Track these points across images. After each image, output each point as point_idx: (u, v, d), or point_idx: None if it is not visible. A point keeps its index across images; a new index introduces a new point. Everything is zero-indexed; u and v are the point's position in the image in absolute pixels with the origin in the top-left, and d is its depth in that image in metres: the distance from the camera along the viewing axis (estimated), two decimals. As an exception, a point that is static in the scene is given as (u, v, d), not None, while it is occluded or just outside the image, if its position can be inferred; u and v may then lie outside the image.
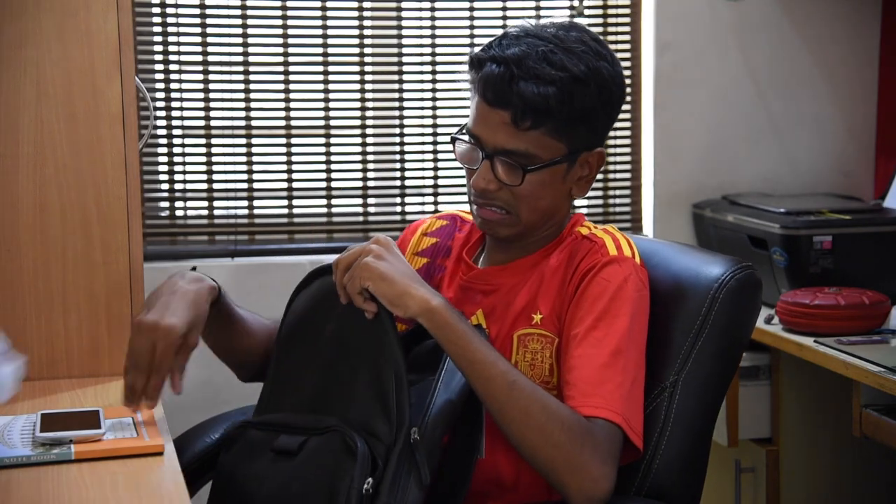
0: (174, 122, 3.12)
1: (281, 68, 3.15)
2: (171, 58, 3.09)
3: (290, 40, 3.15)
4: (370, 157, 3.23)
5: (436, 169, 3.24)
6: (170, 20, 3.08)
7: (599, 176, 3.34)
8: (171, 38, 3.08)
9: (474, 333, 1.67)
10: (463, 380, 1.69)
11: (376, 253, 1.67)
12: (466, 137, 1.80)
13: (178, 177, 3.14)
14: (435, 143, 3.24)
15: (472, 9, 3.24)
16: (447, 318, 1.65)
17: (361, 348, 1.70)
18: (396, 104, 3.23)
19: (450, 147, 1.88)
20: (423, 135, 3.25)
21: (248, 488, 1.72)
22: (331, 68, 3.18)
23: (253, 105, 3.14)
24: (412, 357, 1.74)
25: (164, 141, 3.12)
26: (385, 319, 1.67)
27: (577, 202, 3.35)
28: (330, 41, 3.17)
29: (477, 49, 1.81)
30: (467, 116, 1.82)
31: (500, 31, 3.26)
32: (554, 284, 1.81)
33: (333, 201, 3.21)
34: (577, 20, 3.27)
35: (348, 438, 1.62)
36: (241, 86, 3.13)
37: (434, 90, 3.23)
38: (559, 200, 1.83)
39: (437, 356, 1.70)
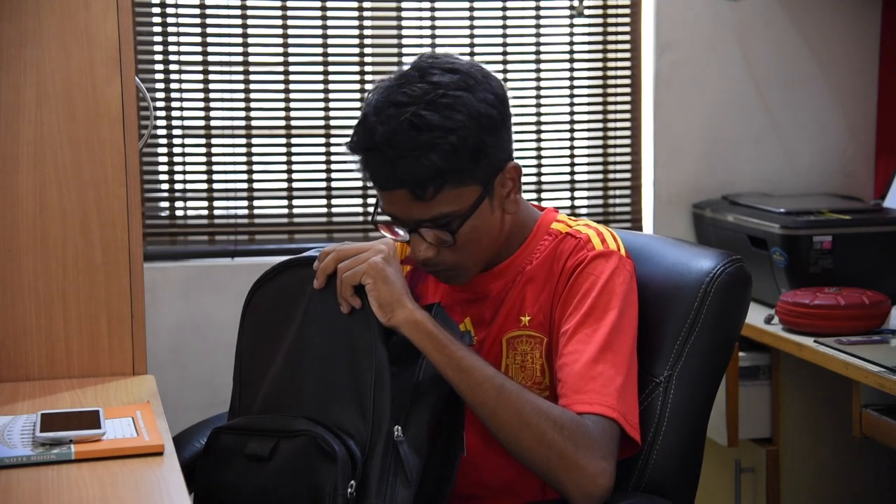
0: (174, 122, 3.12)
1: (281, 68, 3.15)
2: (171, 58, 3.09)
3: (290, 40, 3.15)
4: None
5: (436, 169, 3.24)
6: (170, 20, 3.08)
7: (599, 176, 3.35)
8: (171, 38, 3.08)
9: (458, 342, 1.67)
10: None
11: (386, 256, 1.68)
12: (386, 217, 1.77)
13: (178, 177, 3.14)
14: (435, 143, 3.23)
15: (472, 9, 3.24)
16: (430, 328, 1.66)
17: (333, 344, 1.69)
18: (396, 104, 3.22)
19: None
20: (423, 135, 3.24)
21: (227, 497, 1.71)
22: (331, 68, 3.18)
23: (253, 105, 3.14)
24: (389, 349, 1.71)
25: (164, 141, 3.12)
26: (371, 317, 1.66)
27: (577, 203, 3.35)
28: (330, 41, 3.17)
29: (350, 137, 1.75)
30: None
31: (499, 31, 3.27)
32: (539, 284, 1.81)
33: (333, 201, 3.21)
34: (578, 20, 3.27)
35: (322, 442, 1.61)
36: (241, 86, 3.13)
37: (434, 90, 3.23)
38: (497, 228, 1.80)
39: (415, 348, 1.69)
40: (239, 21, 3.11)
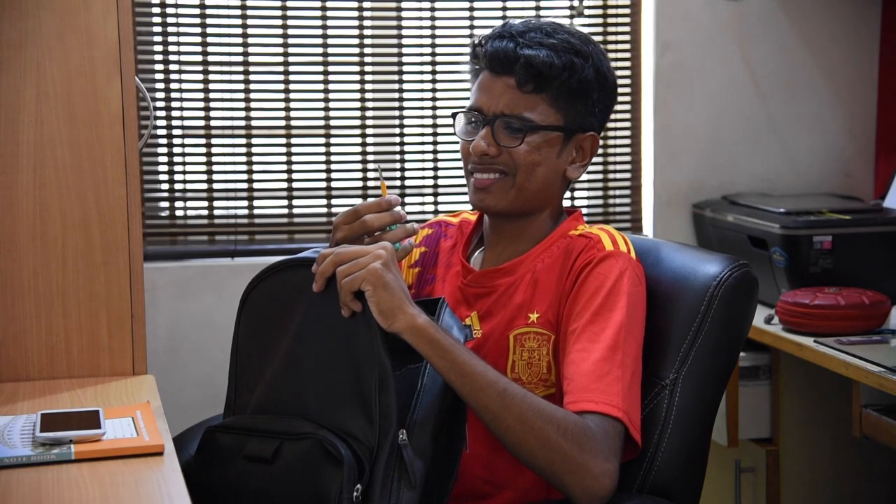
0: (174, 122, 3.12)
1: (281, 68, 3.15)
2: (171, 58, 3.09)
3: (290, 40, 3.15)
4: (370, 157, 3.23)
5: (436, 169, 3.24)
6: (170, 20, 3.08)
7: (599, 176, 3.35)
8: (171, 38, 3.08)
9: (461, 347, 1.66)
10: None
11: (385, 261, 1.65)
12: (469, 114, 1.87)
13: (178, 177, 3.14)
14: (435, 143, 3.23)
15: (472, 9, 3.24)
16: (432, 333, 1.64)
17: (334, 347, 1.67)
18: (396, 104, 3.23)
19: (450, 147, 1.90)
20: (423, 135, 3.25)
21: (226, 496, 1.70)
22: (331, 68, 3.18)
23: (253, 105, 3.14)
24: (391, 347, 1.69)
25: (164, 141, 3.12)
26: (371, 320, 1.64)
27: (577, 203, 3.35)
28: (330, 41, 3.17)
29: (480, 40, 1.89)
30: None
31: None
32: (549, 282, 1.82)
33: (333, 201, 3.21)
34: (578, 20, 3.27)
35: (328, 445, 1.60)
36: (241, 86, 3.13)
37: (434, 90, 3.23)
38: (554, 176, 1.86)
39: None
40: (239, 21, 3.11)
